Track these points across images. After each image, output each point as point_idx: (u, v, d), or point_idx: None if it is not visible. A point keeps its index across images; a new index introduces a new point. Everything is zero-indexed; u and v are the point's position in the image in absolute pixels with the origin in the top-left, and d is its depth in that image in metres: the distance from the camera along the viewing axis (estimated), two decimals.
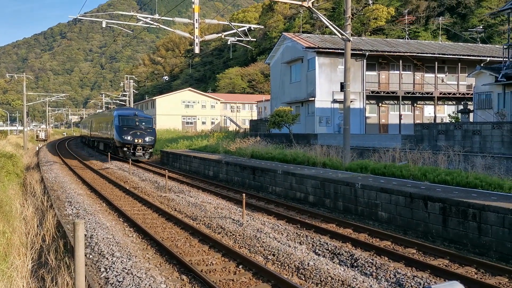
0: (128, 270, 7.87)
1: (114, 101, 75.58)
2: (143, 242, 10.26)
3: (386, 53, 32.69)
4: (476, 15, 48.54)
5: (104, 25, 19.57)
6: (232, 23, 20.95)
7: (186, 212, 13.56)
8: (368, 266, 8.30)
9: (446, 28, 48.65)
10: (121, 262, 8.34)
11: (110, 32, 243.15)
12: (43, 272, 7.60)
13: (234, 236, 10.59)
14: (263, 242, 9.83)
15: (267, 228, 11.31)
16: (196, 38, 16.78)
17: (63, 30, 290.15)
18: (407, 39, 46.70)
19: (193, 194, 16.85)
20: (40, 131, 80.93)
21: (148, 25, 19.40)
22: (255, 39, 32.66)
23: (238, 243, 10.13)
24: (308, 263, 8.28)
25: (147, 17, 19.23)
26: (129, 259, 8.53)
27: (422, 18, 53.60)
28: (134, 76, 69.78)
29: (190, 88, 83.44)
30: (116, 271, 7.87)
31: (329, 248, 9.48)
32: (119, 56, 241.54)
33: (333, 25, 17.20)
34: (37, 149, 46.25)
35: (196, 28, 16.65)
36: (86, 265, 7.92)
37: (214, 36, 21.68)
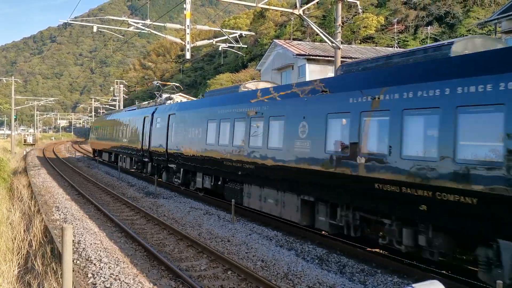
0: (116, 276, 7.83)
1: (104, 106, 74.98)
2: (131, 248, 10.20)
3: None
4: (464, 25, 49.16)
5: (95, 30, 19.57)
6: (224, 30, 21.05)
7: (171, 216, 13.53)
8: None
9: (435, 37, 49.23)
10: (108, 267, 8.30)
11: (101, 37, 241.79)
12: (29, 277, 7.53)
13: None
14: None
15: None
16: (188, 44, 16.82)
17: (53, 34, 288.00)
18: (397, 47, 47.15)
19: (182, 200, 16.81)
20: (28, 135, 79.97)
21: (140, 30, 19.42)
22: (246, 46, 32.78)
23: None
24: None
25: (138, 23, 19.26)
26: (117, 264, 8.48)
27: (411, 27, 54.21)
28: (124, 81, 69.27)
29: (180, 94, 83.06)
30: (104, 277, 7.82)
31: None
32: (109, 61, 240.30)
33: (324, 32, 17.37)
34: (24, 153, 45.73)
35: (188, 34, 16.69)
36: (73, 270, 7.85)
37: (206, 42, 21.81)
